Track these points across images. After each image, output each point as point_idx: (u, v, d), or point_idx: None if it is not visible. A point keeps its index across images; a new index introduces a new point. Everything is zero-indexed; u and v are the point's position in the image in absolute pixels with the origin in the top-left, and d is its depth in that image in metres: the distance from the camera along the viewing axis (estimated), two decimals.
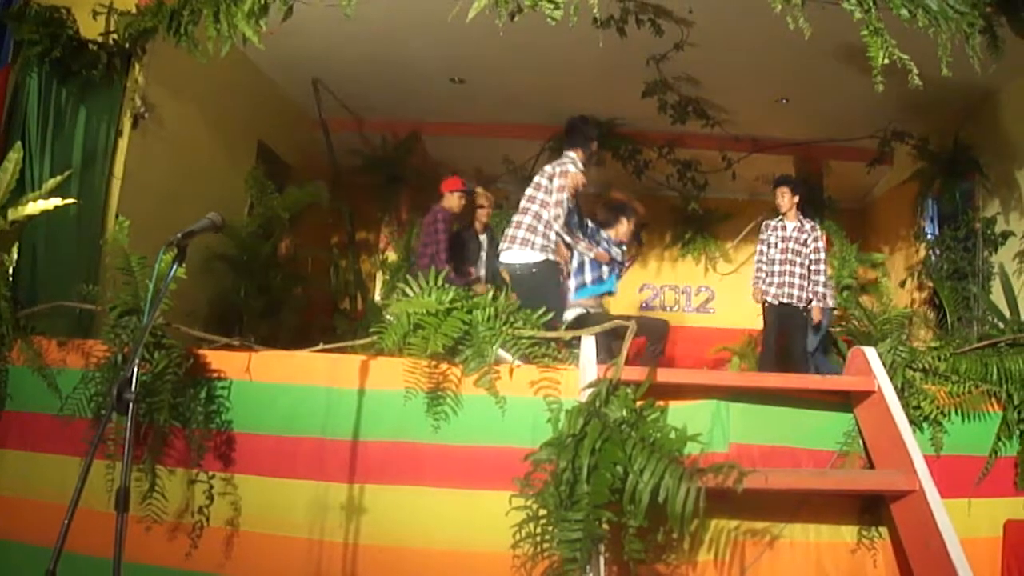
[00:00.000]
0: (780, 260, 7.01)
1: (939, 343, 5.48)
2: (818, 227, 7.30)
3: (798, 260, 7.01)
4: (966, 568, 4.00)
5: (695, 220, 10.25)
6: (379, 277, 10.43)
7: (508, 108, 9.87)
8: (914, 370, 5.11)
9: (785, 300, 6.94)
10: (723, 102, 9.17)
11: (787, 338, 6.86)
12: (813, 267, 7.06)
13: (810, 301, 6.97)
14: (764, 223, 7.30)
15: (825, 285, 7.07)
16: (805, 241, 7.08)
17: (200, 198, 6.68)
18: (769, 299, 6.98)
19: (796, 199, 7.15)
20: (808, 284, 6.99)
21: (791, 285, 6.95)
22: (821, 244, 7.21)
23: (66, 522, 2.75)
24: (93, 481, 4.07)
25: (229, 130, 8.13)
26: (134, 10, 6.32)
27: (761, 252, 7.30)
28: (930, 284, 9.18)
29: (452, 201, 7.69)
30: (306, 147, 10.02)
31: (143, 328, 3.25)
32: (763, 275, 7.18)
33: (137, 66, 6.46)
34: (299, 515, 4.51)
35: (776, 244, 7.10)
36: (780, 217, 7.22)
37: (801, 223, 7.13)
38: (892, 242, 10.95)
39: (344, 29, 6.55)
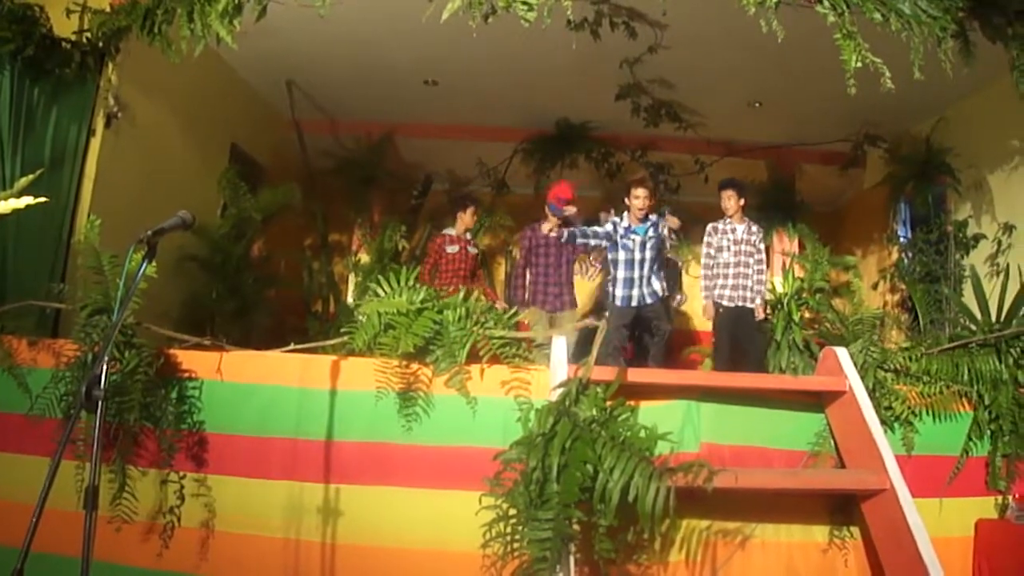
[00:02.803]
0: (734, 263, 6.97)
1: (910, 344, 5.52)
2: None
3: (751, 262, 6.99)
4: (937, 567, 4.04)
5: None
6: (352, 279, 10.29)
7: (482, 110, 9.82)
8: (885, 371, 5.16)
9: (740, 303, 6.93)
10: (696, 105, 9.15)
11: (746, 340, 6.84)
12: (757, 267, 7.08)
13: (753, 300, 6.99)
14: (711, 227, 7.22)
15: (762, 283, 7.10)
16: (755, 243, 7.09)
17: (172, 199, 6.55)
18: (725, 302, 6.94)
19: (742, 202, 7.14)
20: (754, 285, 7.02)
21: (745, 288, 6.94)
22: (762, 246, 7.25)
23: (34, 520, 2.72)
24: (64, 481, 4.09)
25: (202, 131, 8.07)
26: (108, 9, 6.26)
27: (709, 256, 7.19)
28: (903, 287, 9.23)
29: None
30: (279, 148, 9.97)
31: (113, 325, 3.24)
32: (716, 280, 7.09)
33: (110, 65, 6.39)
34: (272, 515, 4.50)
35: (728, 247, 7.04)
36: (726, 220, 7.19)
37: (749, 225, 7.12)
38: (865, 245, 10.95)
39: (318, 30, 6.54)
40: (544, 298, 7.52)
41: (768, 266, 7.32)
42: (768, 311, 6.81)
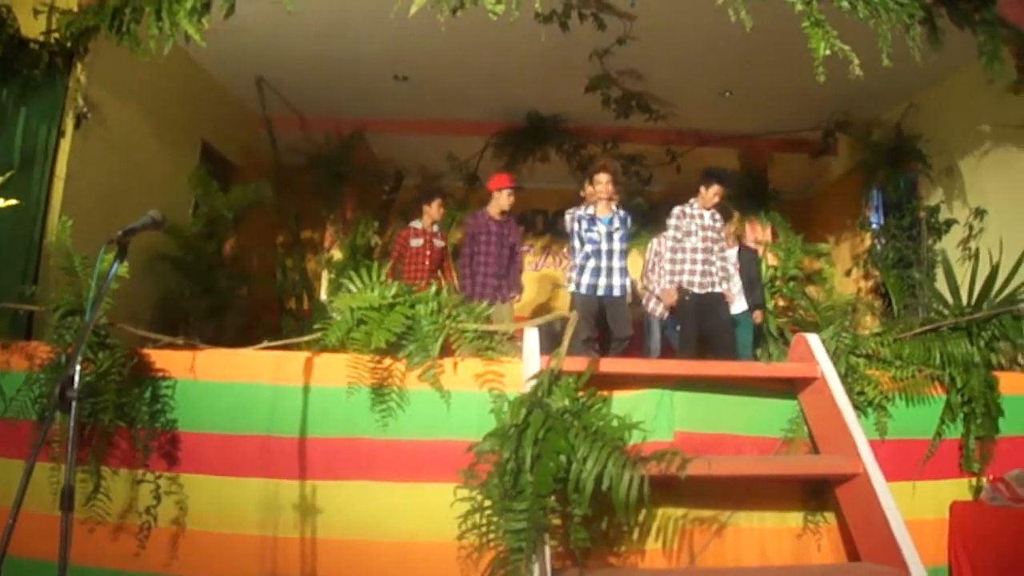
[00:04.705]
0: (702, 248, 6.99)
1: (882, 329, 5.56)
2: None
3: (715, 248, 7.05)
4: (911, 549, 4.07)
5: (640, 214, 10.26)
6: (325, 276, 10.31)
7: (452, 104, 9.88)
8: (857, 356, 5.19)
9: (709, 288, 6.95)
10: (667, 96, 9.24)
11: (719, 328, 6.86)
12: (721, 254, 7.12)
13: (721, 284, 7.01)
14: (679, 210, 7.22)
15: (726, 270, 7.13)
16: (718, 229, 7.13)
17: (144, 198, 6.52)
18: (696, 289, 6.95)
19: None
20: (719, 271, 7.05)
21: (712, 274, 6.97)
22: (724, 232, 7.32)
23: (11, 522, 2.71)
24: (38, 484, 4.04)
25: (173, 129, 8.06)
26: (76, 8, 6.26)
27: (676, 240, 7.16)
28: (876, 273, 9.30)
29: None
30: (250, 146, 9.98)
31: (85, 326, 3.23)
32: (683, 265, 7.11)
33: (79, 65, 6.38)
34: (248, 513, 4.48)
35: (697, 232, 7.06)
36: (693, 205, 7.20)
37: (713, 212, 7.15)
38: (838, 232, 11.08)
39: (287, 27, 6.55)
40: (483, 289, 7.55)
41: None
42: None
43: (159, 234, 4.02)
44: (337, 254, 10.14)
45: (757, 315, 7.32)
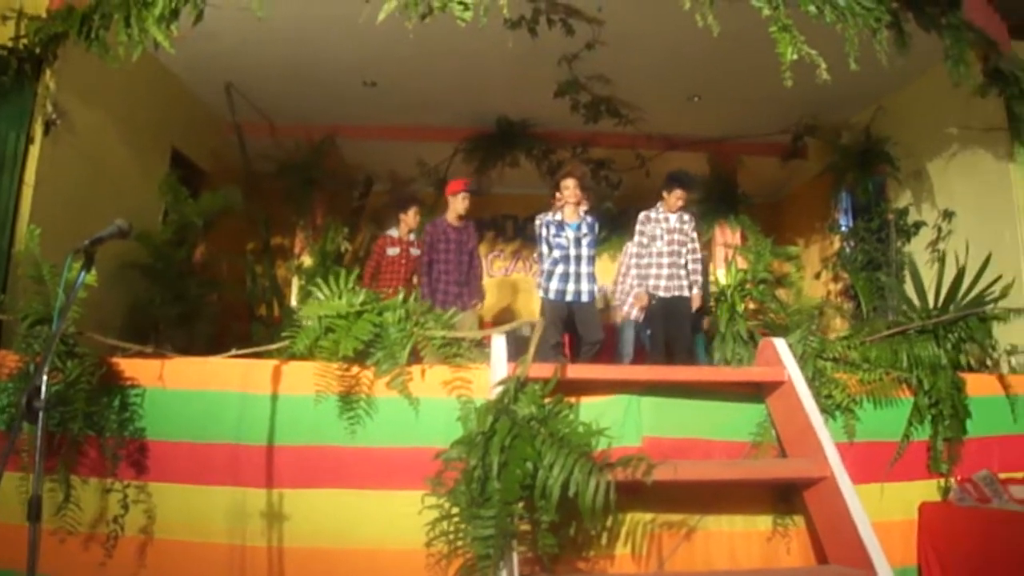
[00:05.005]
0: (668, 252, 7.01)
1: (849, 333, 5.59)
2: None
3: (683, 251, 7.07)
4: (878, 551, 4.09)
5: (610, 219, 10.29)
6: (295, 282, 10.33)
7: (421, 110, 9.88)
8: (824, 359, 5.22)
9: (676, 292, 6.98)
10: (636, 100, 9.25)
11: (675, 329, 6.89)
12: (692, 256, 7.15)
13: (690, 288, 7.04)
14: (644, 215, 7.26)
15: (698, 272, 7.17)
16: (687, 232, 7.15)
17: (113, 205, 6.54)
18: (661, 293, 6.97)
19: None
20: (689, 275, 7.09)
21: (680, 277, 7.00)
22: (695, 234, 7.37)
23: None
24: (7, 494, 4.04)
25: (142, 136, 8.02)
26: (44, 15, 6.21)
27: (642, 245, 7.21)
28: (846, 275, 9.35)
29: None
30: (220, 152, 9.94)
31: (52, 336, 3.23)
32: (649, 270, 7.15)
33: (48, 72, 6.33)
34: (217, 521, 4.47)
35: (662, 236, 7.08)
36: (659, 209, 7.24)
37: (681, 215, 7.18)
38: (807, 235, 11.17)
39: (256, 33, 6.53)
40: (445, 297, 7.56)
41: (711, 258, 7.40)
42: (712, 303, 6.87)
43: (129, 242, 4.01)
44: (307, 260, 10.12)
45: (705, 320, 7.38)
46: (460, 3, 5.08)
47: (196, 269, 8.63)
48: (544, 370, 4.41)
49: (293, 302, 9.77)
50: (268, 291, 9.52)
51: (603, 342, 6.76)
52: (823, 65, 5.07)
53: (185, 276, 8.17)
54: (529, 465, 3.88)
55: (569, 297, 6.60)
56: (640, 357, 8.00)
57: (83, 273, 3.21)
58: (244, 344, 5.06)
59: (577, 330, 6.76)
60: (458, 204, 7.85)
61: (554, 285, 6.60)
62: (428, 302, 6.94)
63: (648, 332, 7.28)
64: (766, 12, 5.27)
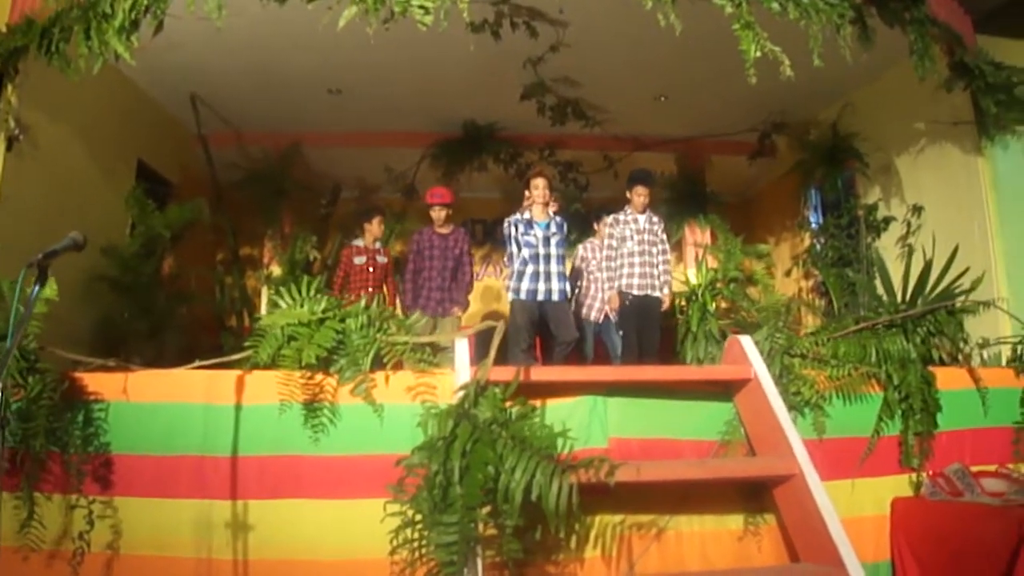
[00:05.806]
0: (639, 252, 7.04)
1: (817, 329, 5.59)
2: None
3: (654, 251, 7.10)
4: (848, 548, 4.09)
5: (578, 220, 10.28)
6: (265, 292, 10.29)
7: (387, 116, 9.86)
8: (792, 356, 5.21)
9: (648, 291, 6.99)
10: (602, 102, 9.27)
11: (645, 328, 6.90)
12: (663, 256, 7.18)
13: (661, 289, 7.06)
14: (612, 218, 7.32)
15: (668, 273, 7.19)
16: (657, 232, 7.18)
17: (79, 219, 6.50)
18: (635, 291, 7.00)
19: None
20: (660, 274, 7.11)
21: (652, 276, 7.02)
22: (664, 235, 7.40)
23: None
24: None
25: (107, 149, 7.98)
26: (3, 29, 6.18)
27: (612, 247, 7.28)
28: (817, 272, 9.36)
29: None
30: (187, 163, 9.88)
31: (6, 352, 3.19)
32: (621, 271, 7.18)
33: (10, 87, 6.30)
34: (183, 535, 4.43)
35: (632, 236, 7.12)
36: (627, 211, 7.26)
37: (650, 215, 7.22)
38: (777, 233, 11.19)
39: (218, 43, 6.50)
40: (427, 303, 7.64)
41: (681, 258, 7.42)
42: (683, 302, 6.87)
43: (97, 255, 3.98)
44: (276, 270, 10.12)
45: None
46: (420, 7, 5.08)
47: (164, 282, 8.57)
48: (505, 373, 4.38)
49: (263, 312, 9.73)
50: (237, 302, 9.52)
51: (577, 341, 6.77)
52: (787, 62, 5.09)
53: (153, 289, 8.13)
54: (491, 469, 3.85)
55: (540, 296, 6.60)
56: (600, 358, 8.02)
57: (37, 287, 3.18)
58: (214, 355, 5.03)
59: (547, 332, 6.77)
60: (432, 214, 7.93)
61: (525, 285, 6.61)
62: (407, 307, 7.07)
63: (620, 333, 7.27)
64: (729, 10, 5.29)
